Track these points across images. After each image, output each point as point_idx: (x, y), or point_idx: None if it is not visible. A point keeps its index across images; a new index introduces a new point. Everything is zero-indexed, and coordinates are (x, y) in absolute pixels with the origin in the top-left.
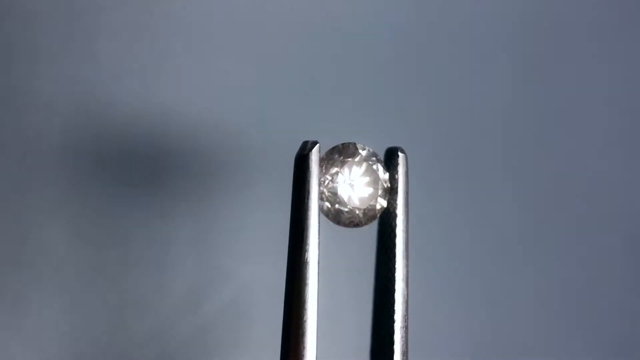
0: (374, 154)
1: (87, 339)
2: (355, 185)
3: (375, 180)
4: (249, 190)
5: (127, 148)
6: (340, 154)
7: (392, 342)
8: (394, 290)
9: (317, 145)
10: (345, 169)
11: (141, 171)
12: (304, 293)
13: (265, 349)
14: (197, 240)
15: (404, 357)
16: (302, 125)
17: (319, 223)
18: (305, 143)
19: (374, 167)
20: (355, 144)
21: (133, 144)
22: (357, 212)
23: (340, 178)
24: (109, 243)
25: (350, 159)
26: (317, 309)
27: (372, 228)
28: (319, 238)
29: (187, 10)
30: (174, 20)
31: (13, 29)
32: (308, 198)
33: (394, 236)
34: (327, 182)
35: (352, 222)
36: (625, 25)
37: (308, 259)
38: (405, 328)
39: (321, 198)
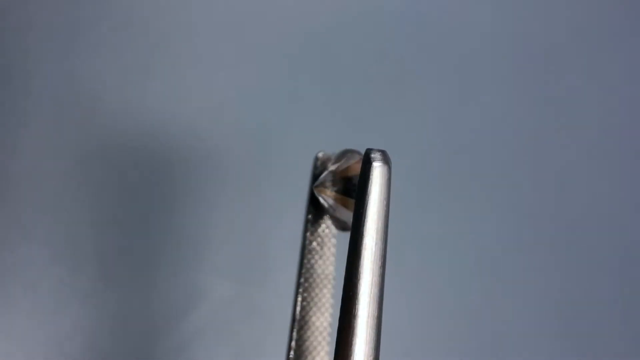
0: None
1: (60, 357)
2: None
3: None
4: (228, 207)
5: (102, 164)
6: (347, 159)
7: None
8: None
9: (322, 153)
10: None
11: (116, 188)
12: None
13: None
14: (174, 257)
15: None
16: (289, 139)
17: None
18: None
19: None
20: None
21: (107, 159)
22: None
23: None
24: (84, 261)
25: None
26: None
27: None
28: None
29: (179, 11)
30: (165, 22)
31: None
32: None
33: (360, 248)
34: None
35: (344, 228)
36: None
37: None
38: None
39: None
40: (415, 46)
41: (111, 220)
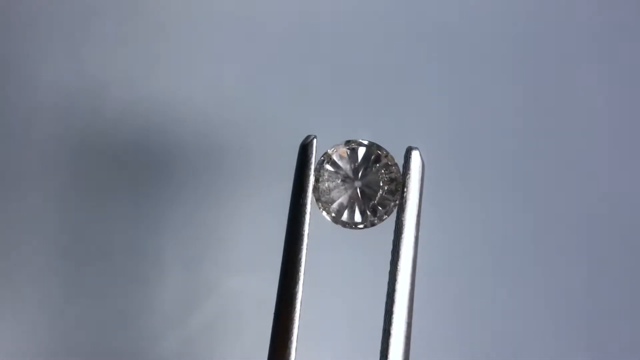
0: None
1: (68, 354)
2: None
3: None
4: (235, 202)
5: (109, 159)
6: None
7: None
8: (392, 310)
9: (314, 138)
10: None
11: (123, 183)
12: (295, 281)
13: None
14: (183, 252)
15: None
16: (296, 135)
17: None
18: (307, 137)
19: (380, 169)
20: (361, 144)
21: (114, 155)
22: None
23: (336, 179)
24: (91, 256)
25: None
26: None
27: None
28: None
29: (186, 3)
30: (171, 14)
31: None
32: (300, 190)
33: (398, 246)
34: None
35: (347, 224)
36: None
37: (300, 251)
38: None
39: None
40: (420, 40)
41: (118, 215)
